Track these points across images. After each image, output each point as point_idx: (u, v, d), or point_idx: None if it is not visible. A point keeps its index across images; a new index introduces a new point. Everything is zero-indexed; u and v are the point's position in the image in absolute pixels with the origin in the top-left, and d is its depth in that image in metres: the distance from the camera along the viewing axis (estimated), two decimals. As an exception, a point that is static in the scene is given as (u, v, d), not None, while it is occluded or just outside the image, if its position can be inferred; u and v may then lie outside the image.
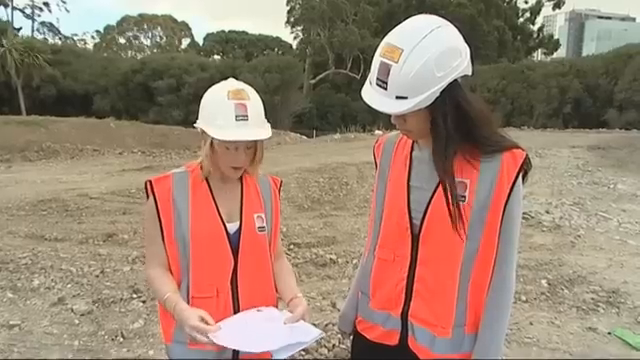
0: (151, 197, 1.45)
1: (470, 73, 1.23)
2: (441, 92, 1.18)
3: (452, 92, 1.20)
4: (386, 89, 1.20)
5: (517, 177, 1.25)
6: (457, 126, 1.23)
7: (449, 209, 1.25)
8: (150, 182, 1.46)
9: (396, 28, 1.23)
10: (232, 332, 1.32)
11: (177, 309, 1.35)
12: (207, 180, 1.49)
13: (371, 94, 1.24)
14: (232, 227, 1.48)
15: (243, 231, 1.49)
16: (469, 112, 1.23)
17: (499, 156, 1.26)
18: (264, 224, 1.53)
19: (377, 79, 1.21)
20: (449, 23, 1.23)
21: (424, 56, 1.15)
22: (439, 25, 1.20)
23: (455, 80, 1.20)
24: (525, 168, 1.27)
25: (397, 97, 1.19)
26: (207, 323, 1.31)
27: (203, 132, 1.42)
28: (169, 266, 1.46)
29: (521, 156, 1.26)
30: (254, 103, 1.42)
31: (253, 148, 1.46)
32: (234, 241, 1.48)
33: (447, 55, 1.18)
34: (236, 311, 1.46)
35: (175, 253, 1.44)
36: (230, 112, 1.37)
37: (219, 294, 1.45)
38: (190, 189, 1.47)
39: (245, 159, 1.45)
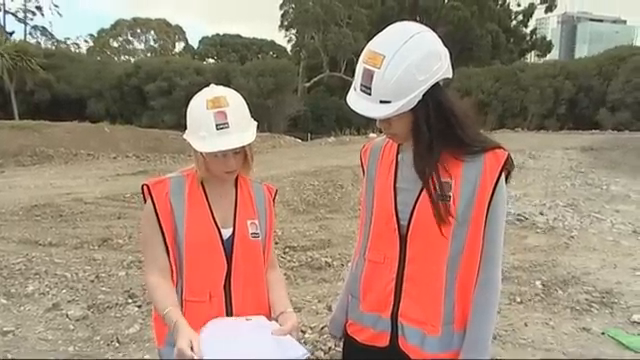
0: (149, 201, 1.45)
1: (450, 76, 1.28)
2: (423, 95, 1.23)
3: (434, 94, 1.24)
4: (370, 94, 1.24)
5: (500, 176, 1.29)
6: (439, 127, 1.27)
7: (434, 208, 1.28)
8: (147, 186, 1.46)
9: (378, 35, 1.28)
10: (215, 347, 1.29)
11: (176, 325, 1.34)
12: (203, 185, 1.51)
13: (356, 100, 1.28)
14: (226, 232, 1.50)
15: (236, 237, 1.50)
16: (451, 113, 1.28)
17: (481, 156, 1.29)
18: (258, 230, 1.54)
19: (361, 85, 1.26)
20: (428, 29, 1.28)
21: (405, 61, 1.20)
22: (419, 31, 1.25)
23: (437, 83, 1.24)
24: (508, 168, 1.30)
25: (381, 101, 1.24)
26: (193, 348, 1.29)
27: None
28: (170, 270, 1.45)
29: (503, 156, 1.29)
30: (234, 108, 1.41)
31: (242, 151, 1.47)
32: (228, 246, 1.49)
33: (427, 59, 1.22)
34: (229, 316, 1.47)
35: (173, 256, 1.45)
36: (210, 122, 1.38)
37: (212, 298, 1.46)
38: (186, 194, 1.48)
39: (235, 163, 1.46)
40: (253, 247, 1.53)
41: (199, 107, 1.41)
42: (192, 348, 1.27)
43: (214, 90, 1.45)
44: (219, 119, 1.38)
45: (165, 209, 1.44)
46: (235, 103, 1.43)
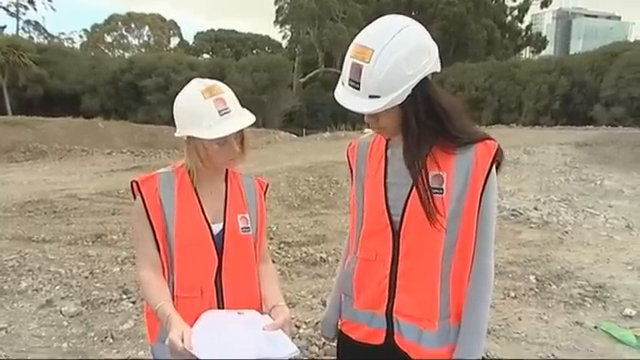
0: (138, 197, 1.45)
1: (439, 70, 1.27)
2: (412, 89, 1.22)
3: (423, 89, 1.23)
4: (359, 89, 1.22)
5: (491, 167, 1.28)
6: (429, 121, 1.26)
7: (425, 202, 1.28)
8: (136, 182, 1.46)
9: (365, 29, 1.26)
10: (207, 341, 1.30)
11: (169, 319, 1.34)
12: (193, 181, 1.50)
13: (344, 95, 1.26)
14: (216, 227, 1.49)
15: (227, 231, 1.49)
16: (440, 107, 1.27)
17: (472, 147, 1.29)
18: (248, 225, 1.54)
19: (349, 80, 1.24)
20: (416, 22, 1.26)
21: (394, 55, 1.18)
22: (407, 25, 1.23)
23: (425, 77, 1.23)
24: (497, 159, 1.30)
25: (370, 96, 1.22)
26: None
27: (190, 138, 1.42)
28: (161, 266, 1.45)
29: (493, 146, 1.29)
30: (229, 94, 1.44)
31: (240, 135, 1.47)
32: (218, 241, 1.48)
33: (416, 53, 1.21)
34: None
35: (164, 252, 1.45)
36: (212, 110, 1.39)
37: (203, 294, 1.45)
38: (176, 190, 1.47)
39: (237, 148, 1.46)
40: (244, 241, 1.53)
41: (195, 99, 1.41)
42: (183, 340, 1.27)
43: (203, 81, 1.46)
44: (220, 105, 1.39)
45: (155, 205, 1.44)
46: (227, 89, 1.46)
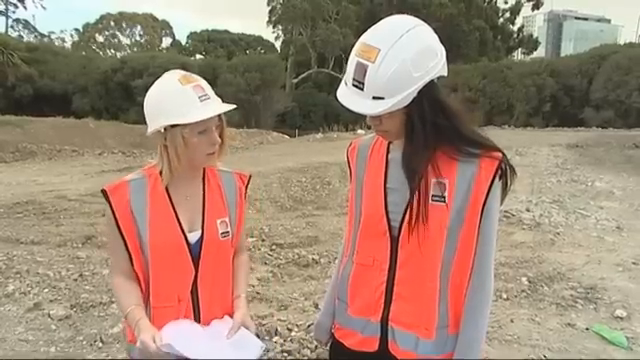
0: (108, 208, 1.39)
1: (446, 74, 1.23)
2: (418, 92, 1.17)
3: (429, 93, 1.19)
4: (362, 90, 1.18)
5: (494, 178, 1.25)
6: (434, 126, 1.22)
7: (427, 209, 1.25)
8: (105, 192, 1.39)
9: (372, 28, 1.21)
10: (181, 341, 1.32)
11: (138, 324, 1.34)
12: (167, 187, 1.43)
13: (347, 95, 1.22)
14: (193, 236, 1.43)
15: (205, 240, 1.44)
16: (446, 112, 1.23)
17: (476, 156, 1.25)
18: (228, 228, 1.49)
19: (353, 79, 1.19)
20: (424, 23, 1.22)
21: (401, 56, 1.14)
22: (415, 25, 1.19)
23: (432, 81, 1.19)
24: (501, 169, 1.26)
25: (374, 98, 1.18)
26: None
27: (167, 131, 1.36)
28: (134, 273, 1.41)
29: (497, 157, 1.26)
30: (205, 83, 1.41)
31: (220, 126, 1.44)
32: (195, 250, 1.43)
33: (424, 55, 1.17)
34: (197, 318, 1.45)
35: (139, 263, 1.40)
36: (192, 96, 1.35)
37: (180, 302, 1.42)
38: (148, 198, 1.40)
39: (218, 138, 1.42)
40: (223, 247, 1.49)
41: (173, 87, 1.36)
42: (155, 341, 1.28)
43: (176, 71, 1.42)
44: (199, 92, 1.36)
45: (125, 216, 1.38)
46: (202, 79, 1.42)
